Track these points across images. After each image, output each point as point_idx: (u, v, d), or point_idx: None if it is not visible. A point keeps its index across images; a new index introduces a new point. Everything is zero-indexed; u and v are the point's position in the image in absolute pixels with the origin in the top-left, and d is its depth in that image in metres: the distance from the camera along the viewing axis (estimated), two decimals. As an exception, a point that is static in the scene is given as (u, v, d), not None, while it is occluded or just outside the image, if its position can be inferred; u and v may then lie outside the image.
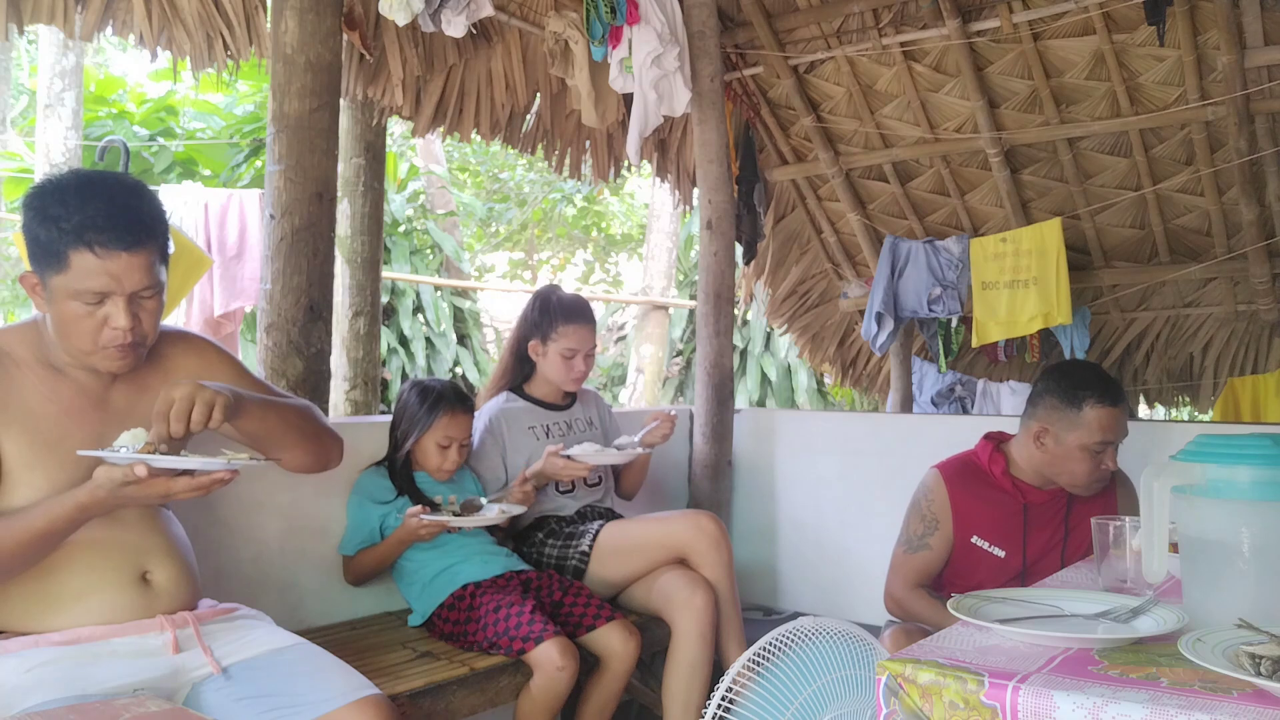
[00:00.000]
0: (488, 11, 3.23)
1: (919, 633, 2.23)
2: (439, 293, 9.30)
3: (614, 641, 2.37)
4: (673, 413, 2.90)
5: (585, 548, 2.67)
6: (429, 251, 9.67)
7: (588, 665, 2.36)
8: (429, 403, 2.53)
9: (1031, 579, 2.32)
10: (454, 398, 2.56)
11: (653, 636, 2.55)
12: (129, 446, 1.56)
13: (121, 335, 1.65)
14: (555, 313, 2.82)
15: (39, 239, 1.61)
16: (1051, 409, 2.29)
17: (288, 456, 1.91)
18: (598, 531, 2.69)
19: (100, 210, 1.59)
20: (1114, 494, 2.41)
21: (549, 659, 2.19)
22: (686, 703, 2.44)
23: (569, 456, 2.65)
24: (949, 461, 2.45)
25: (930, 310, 5.20)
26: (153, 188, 1.94)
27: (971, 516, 2.36)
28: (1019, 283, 4.81)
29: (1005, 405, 6.12)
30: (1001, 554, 2.35)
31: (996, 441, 2.44)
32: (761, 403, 10.23)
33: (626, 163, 4.48)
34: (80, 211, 1.59)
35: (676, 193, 5.00)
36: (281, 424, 1.85)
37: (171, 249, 1.78)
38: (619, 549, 2.66)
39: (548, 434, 2.84)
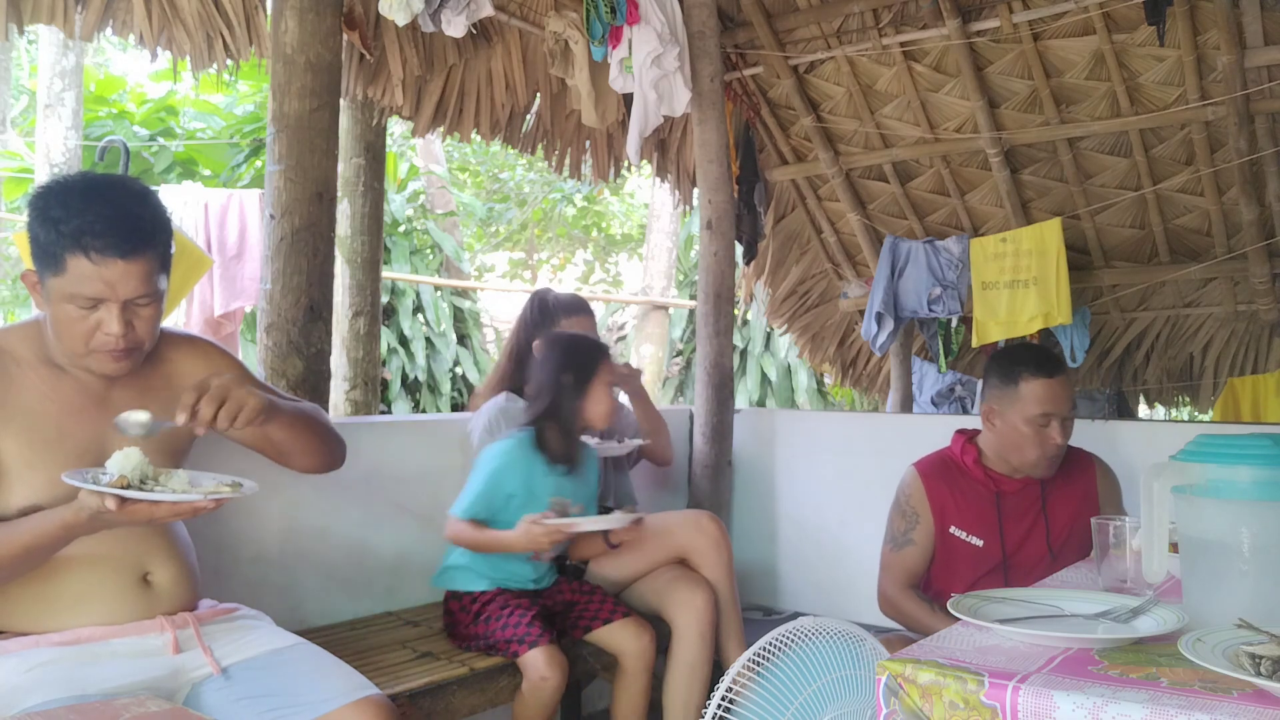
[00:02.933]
0: (488, 11, 3.23)
1: (899, 641, 2.24)
2: (439, 293, 9.30)
3: (626, 639, 2.39)
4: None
5: None
6: (429, 251, 9.66)
7: (606, 662, 2.40)
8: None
9: (1015, 569, 2.36)
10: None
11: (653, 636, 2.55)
12: (110, 474, 1.54)
13: (113, 341, 1.64)
14: (555, 309, 2.85)
15: (39, 239, 1.62)
16: (993, 388, 2.38)
17: (302, 462, 1.95)
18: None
19: (99, 216, 1.59)
20: (1094, 481, 2.46)
21: (534, 667, 2.19)
22: (686, 702, 2.45)
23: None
24: (925, 459, 2.52)
25: (930, 310, 5.20)
26: (153, 188, 1.94)
27: (947, 508, 2.42)
28: (1019, 283, 4.81)
29: (1005, 405, 6.10)
30: (980, 543, 2.39)
31: (969, 435, 2.51)
32: (761, 403, 10.23)
33: (626, 163, 4.48)
34: (80, 216, 1.59)
35: (676, 193, 5.00)
36: (303, 431, 1.89)
37: (172, 252, 1.78)
38: (620, 549, 2.66)
39: None
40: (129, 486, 1.52)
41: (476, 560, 2.40)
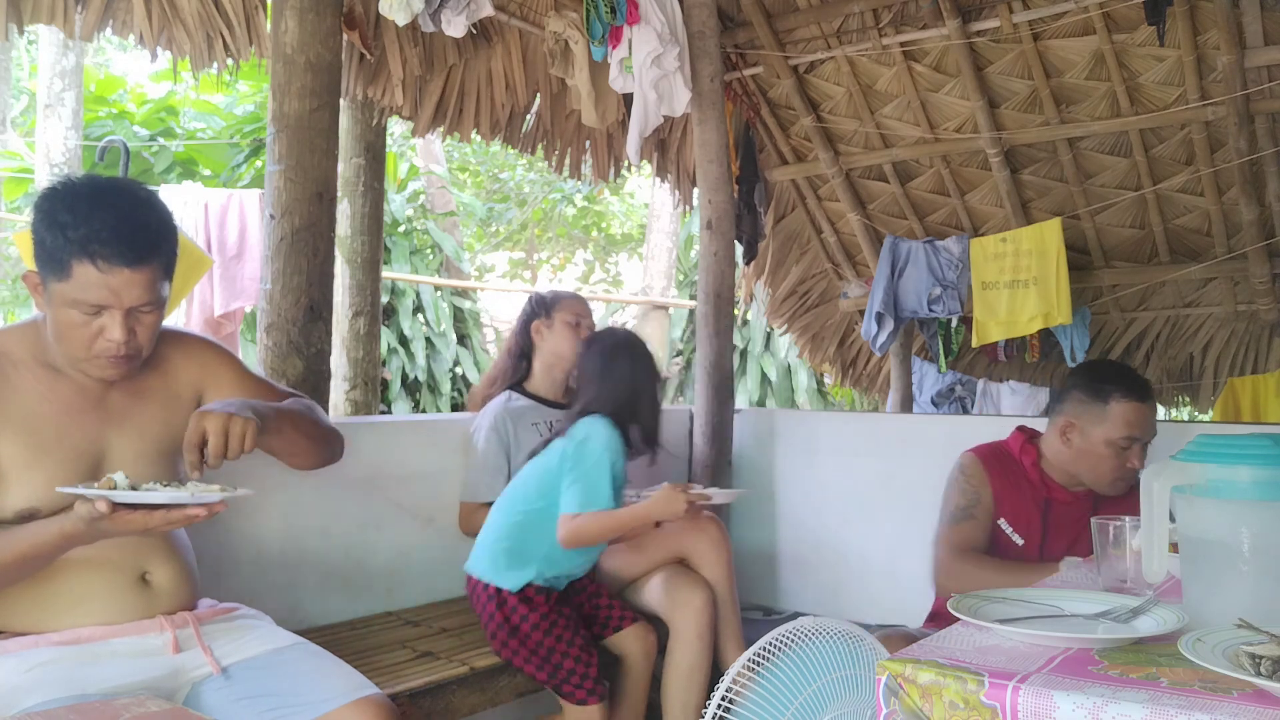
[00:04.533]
0: (488, 11, 3.23)
1: (901, 639, 2.22)
2: (439, 293, 9.30)
3: (634, 642, 2.44)
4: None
5: None
6: (429, 251, 9.67)
7: (608, 660, 2.45)
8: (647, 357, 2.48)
9: None
10: None
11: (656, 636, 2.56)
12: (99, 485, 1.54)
13: (115, 348, 1.64)
14: (551, 296, 2.99)
15: (44, 243, 1.61)
16: (1078, 403, 2.29)
17: (297, 462, 1.96)
18: None
19: (107, 223, 1.58)
20: (1139, 502, 2.38)
21: (590, 713, 2.27)
22: (685, 703, 2.45)
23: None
24: (981, 447, 2.44)
25: (930, 310, 5.20)
26: (153, 188, 1.93)
27: (1003, 498, 2.35)
28: (1019, 283, 4.81)
29: (1005, 405, 6.12)
30: (1021, 542, 2.34)
31: (1029, 435, 2.43)
32: (761, 403, 10.22)
33: (626, 163, 4.48)
34: (87, 223, 1.58)
35: (676, 193, 4.99)
36: (295, 433, 1.89)
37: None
38: (619, 549, 2.67)
39: (550, 429, 2.85)
40: (117, 489, 1.51)
41: (529, 548, 2.34)
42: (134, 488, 1.54)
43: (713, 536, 2.65)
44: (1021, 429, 2.47)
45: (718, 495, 2.48)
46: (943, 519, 2.39)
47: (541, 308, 2.95)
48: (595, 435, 2.33)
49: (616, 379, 2.41)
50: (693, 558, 2.65)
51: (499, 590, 2.32)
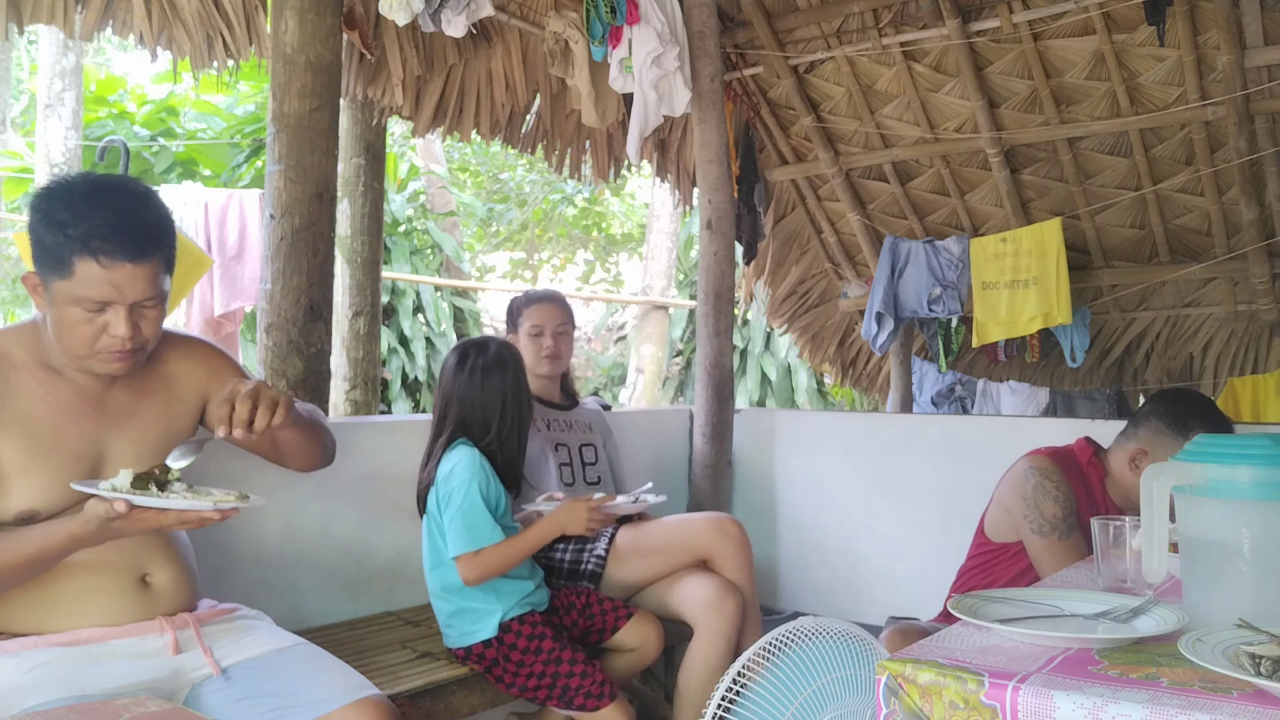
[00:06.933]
0: (488, 11, 3.23)
1: (917, 633, 2.22)
2: (439, 293, 9.31)
3: (643, 632, 2.41)
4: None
5: (602, 551, 2.62)
6: (429, 251, 9.67)
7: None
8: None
9: None
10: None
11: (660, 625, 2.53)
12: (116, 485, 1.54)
13: (120, 343, 1.64)
14: (520, 303, 2.97)
15: (44, 242, 1.60)
16: (1155, 433, 2.22)
17: (300, 461, 1.99)
18: (614, 534, 2.64)
19: (107, 219, 1.58)
20: None
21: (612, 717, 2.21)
22: (702, 704, 2.42)
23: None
24: (1047, 450, 2.32)
25: (930, 310, 5.20)
26: (153, 188, 1.93)
27: (1078, 508, 2.23)
28: (1019, 283, 4.81)
29: (1005, 405, 6.13)
30: None
31: (1095, 448, 2.35)
32: (761, 403, 10.23)
33: (626, 163, 4.49)
34: (87, 219, 1.58)
35: (676, 193, 5.00)
36: (309, 433, 1.92)
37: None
38: (638, 551, 2.61)
39: (548, 426, 2.85)
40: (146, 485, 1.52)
41: (477, 599, 2.25)
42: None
43: (736, 538, 2.61)
44: (1088, 440, 2.36)
45: (625, 506, 2.42)
46: (1039, 529, 2.21)
47: (511, 319, 2.95)
48: (457, 466, 2.23)
49: (475, 398, 2.28)
50: (716, 560, 2.59)
51: (484, 642, 2.23)
